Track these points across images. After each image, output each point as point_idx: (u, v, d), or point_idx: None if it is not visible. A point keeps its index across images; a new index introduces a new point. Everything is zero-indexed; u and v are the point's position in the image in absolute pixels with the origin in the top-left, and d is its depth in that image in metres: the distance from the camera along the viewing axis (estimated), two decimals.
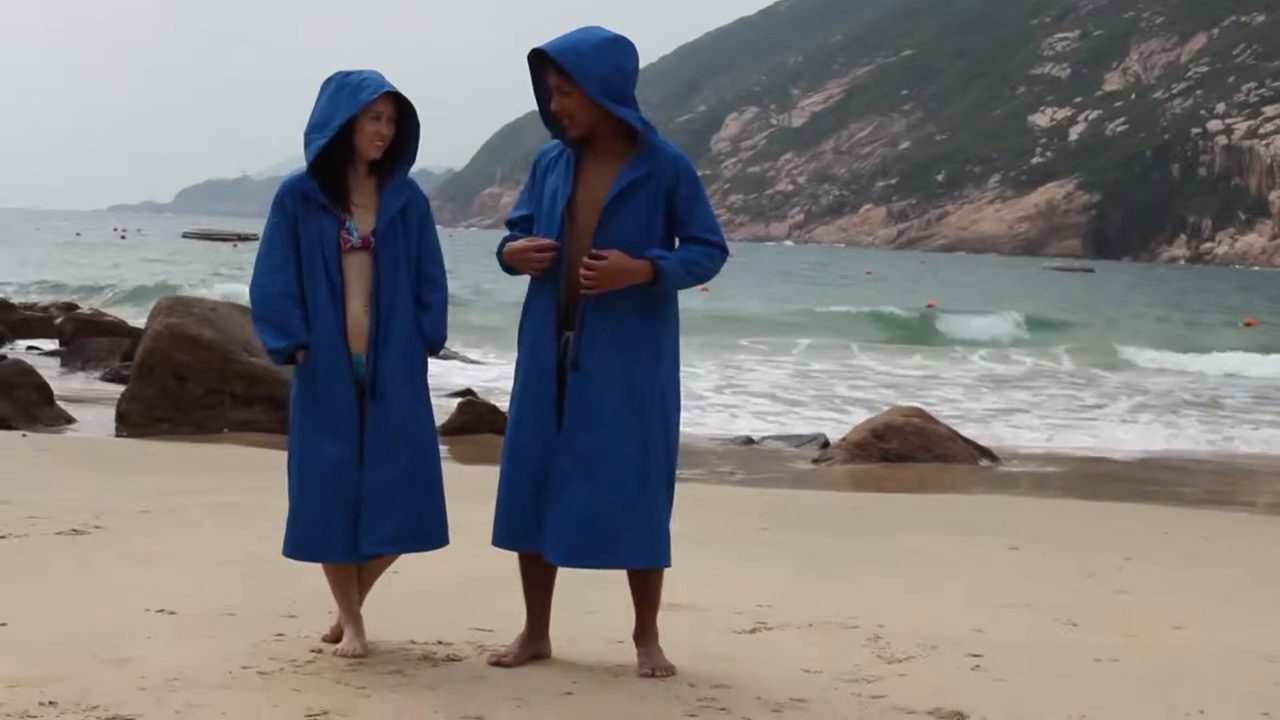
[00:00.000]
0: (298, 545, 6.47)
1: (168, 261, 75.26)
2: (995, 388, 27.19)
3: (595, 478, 6.14)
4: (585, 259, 6.12)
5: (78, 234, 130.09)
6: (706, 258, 6.28)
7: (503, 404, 17.74)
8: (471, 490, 8.48)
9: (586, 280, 6.10)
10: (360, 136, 6.34)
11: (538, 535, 6.25)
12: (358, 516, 6.35)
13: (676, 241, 6.33)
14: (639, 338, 6.22)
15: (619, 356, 6.18)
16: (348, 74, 6.41)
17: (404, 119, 6.46)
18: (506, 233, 6.47)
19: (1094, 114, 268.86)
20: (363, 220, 6.41)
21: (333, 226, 6.37)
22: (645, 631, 6.46)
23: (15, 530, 9.24)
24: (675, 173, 6.25)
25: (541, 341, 6.25)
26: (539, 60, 6.25)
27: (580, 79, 6.08)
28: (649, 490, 6.24)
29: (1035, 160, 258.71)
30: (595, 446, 6.15)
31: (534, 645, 6.47)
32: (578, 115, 6.16)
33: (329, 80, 6.43)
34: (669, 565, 6.36)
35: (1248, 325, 48.27)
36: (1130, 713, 6.15)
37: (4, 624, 6.77)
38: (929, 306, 59.21)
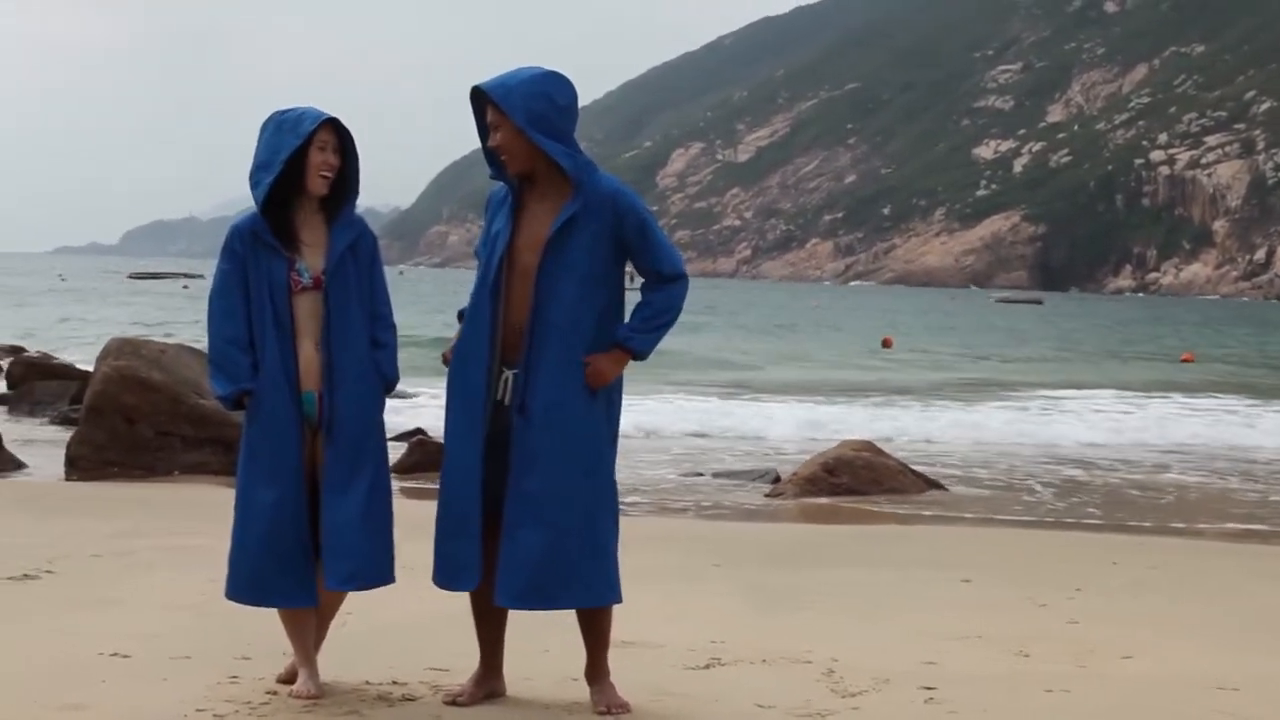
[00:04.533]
0: (236, 588, 6.49)
1: (123, 305, 75.01)
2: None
3: (544, 521, 6.14)
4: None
5: (22, 276, 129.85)
6: (668, 302, 6.33)
7: None
8: (424, 529, 8.46)
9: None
10: (307, 169, 6.34)
11: (470, 574, 6.27)
12: (299, 561, 6.37)
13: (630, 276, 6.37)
14: (576, 375, 6.21)
15: (565, 396, 6.19)
16: (285, 111, 6.42)
17: (346, 152, 6.48)
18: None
19: (1038, 146, 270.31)
20: (312, 259, 6.41)
21: (282, 268, 6.37)
22: (597, 669, 6.47)
23: None
24: (614, 208, 6.25)
25: (476, 380, 6.26)
26: (479, 98, 6.31)
27: (509, 110, 6.13)
28: (597, 529, 6.26)
29: (980, 193, 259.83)
30: (543, 489, 6.15)
31: (488, 684, 6.49)
32: (513, 150, 6.20)
33: (267, 121, 6.43)
34: (620, 601, 6.39)
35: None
36: None
37: None
38: (884, 345, 59.27)
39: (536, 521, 6.15)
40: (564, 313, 6.20)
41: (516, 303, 6.23)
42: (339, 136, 6.42)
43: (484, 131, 6.33)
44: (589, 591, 6.27)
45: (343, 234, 6.45)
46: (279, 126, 6.37)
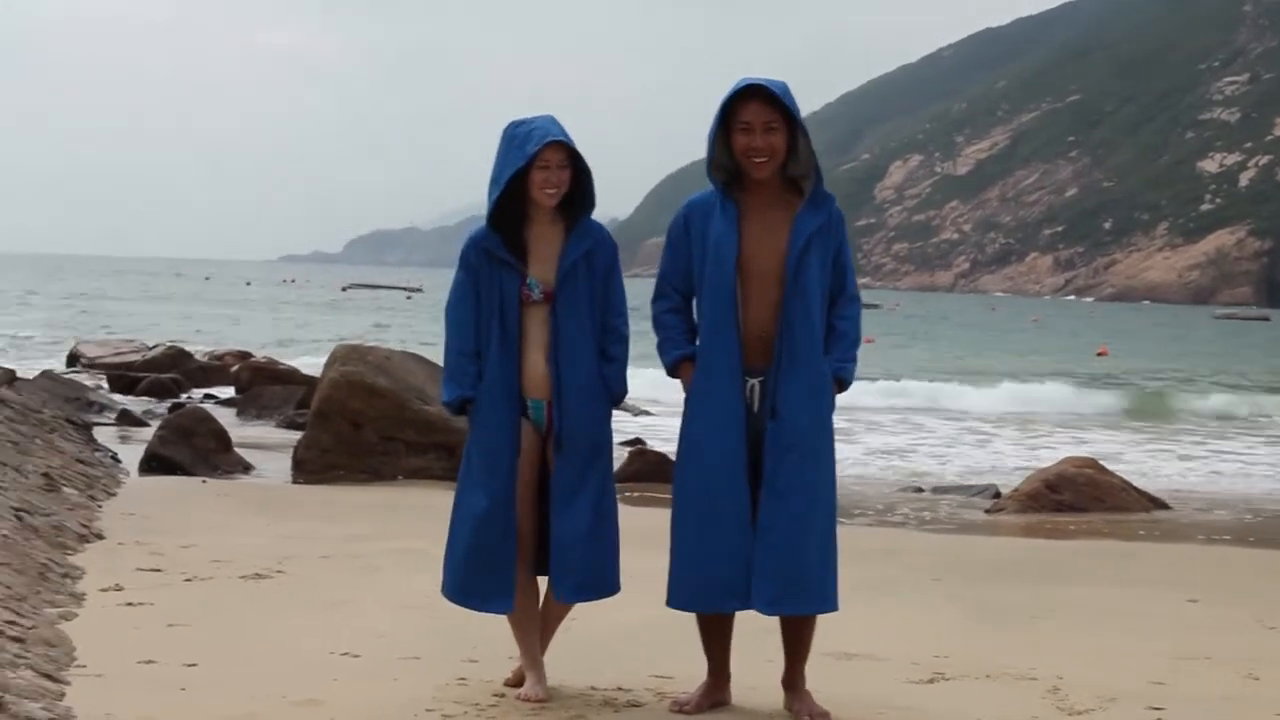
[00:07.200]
0: (445, 586, 6.65)
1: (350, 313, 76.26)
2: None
3: (800, 524, 6.20)
4: None
5: (248, 283, 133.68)
6: (857, 330, 6.50)
7: (669, 450, 17.79)
8: (646, 537, 8.51)
9: None
10: (532, 186, 6.43)
11: (731, 596, 6.30)
12: (503, 568, 6.46)
13: None
14: (825, 380, 6.30)
15: (811, 400, 6.26)
16: (519, 124, 6.50)
17: (578, 164, 6.53)
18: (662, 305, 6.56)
19: (1265, 159, 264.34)
20: (544, 271, 6.49)
21: (514, 282, 6.46)
22: (796, 677, 6.51)
23: (201, 574, 9.45)
24: (839, 222, 6.42)
25: (724, 390, 6.29)
26: (734, 100, 6.30)
27: (796, 112, 6.23)
28: (832, 535, 6.34)
29: (1205, 207, 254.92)
30: (801, 492, 6.22)
31: (716, 694, 6.51)
32: (778, 152, 6.25)
33: (505, 130, 6.53)
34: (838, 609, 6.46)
35: None
36: None
37: (195, 664, 6.94)
38: (1099, 355, 58.66)
39: (788, 522, 6.20)
40: (811, 318, 6.27)
41: (756, 310, 6.27)
42: (566, 152, 6.47)
43: (721, 132, 6.33)
44: (825, 598, 6.33)
45: (576, 245, 6.51)
46: (509, 143, 6.46)
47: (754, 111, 6.24)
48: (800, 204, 6.35)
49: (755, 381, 6.28)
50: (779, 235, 6.29)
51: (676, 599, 6.42)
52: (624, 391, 6.66)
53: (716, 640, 6.50)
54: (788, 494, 6.21)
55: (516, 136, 6.47)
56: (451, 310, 6.60)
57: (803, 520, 6.21)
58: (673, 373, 6.50)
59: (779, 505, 6.21)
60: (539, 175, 6.42)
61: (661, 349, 6.51)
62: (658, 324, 6.54)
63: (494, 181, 6.47)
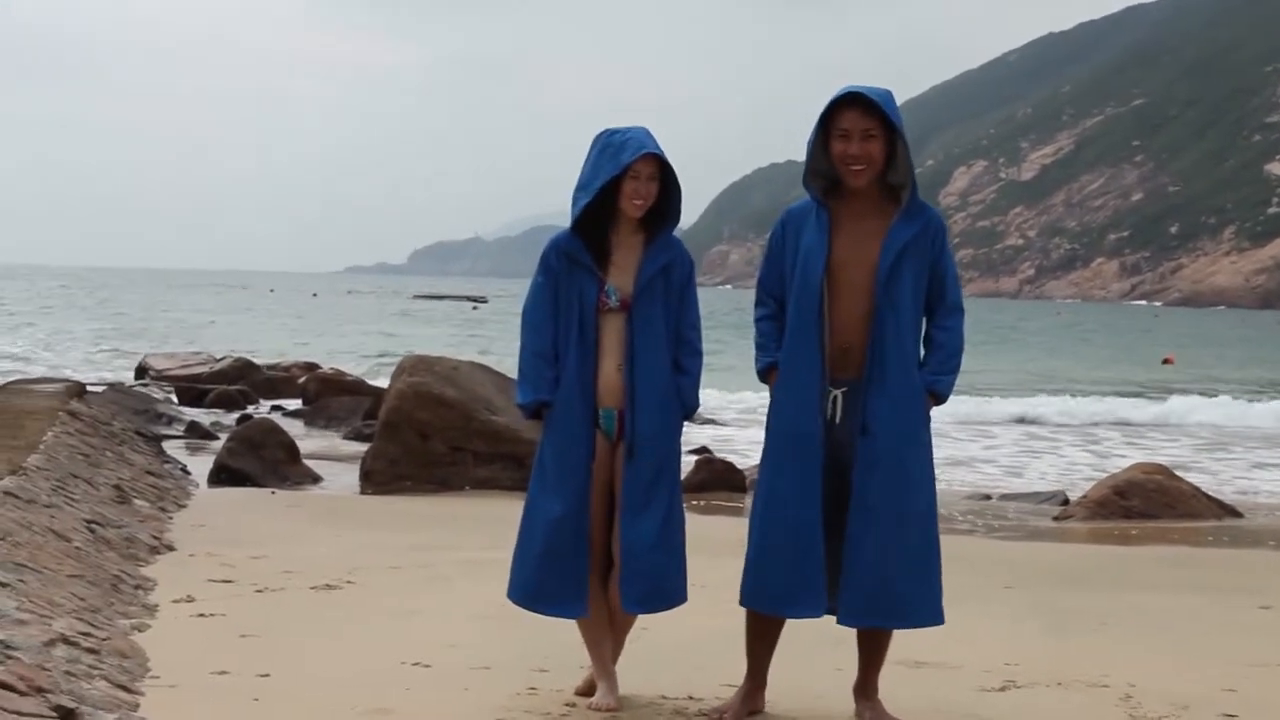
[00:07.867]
0: (513, 591, 6.66)
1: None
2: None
3: (888, 540, 6.18)
4: None
5: (314, 295, 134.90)
6: (958, 341, 6.41)
7: (737, 459, 17.79)
8: (714, 546, 8.52)
9: None
10: (621, 196, 6.44)
11: (786, 603, 6.29)
12: (575, 573, 6.47)
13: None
14: (918, 393, 6.27)
15: (900, 415, 6.22)
16: (614, 133, 6.50)
17: (667, 178, 6.55)
18: (758, 313, 6.55)
19: None
20: (623, 279, 6.51)
21: (593, 288, 6.48)
22: (869, 686, 6.51)
23: (272, 584, 9.50)
24: (940, 231, 6.34)
25: (801, 400, 6.27)
26: (834, 107, 6.27)
27: (897, 121, 6.18)
28: (934, 548, 6.30)
29: (1272, 210, 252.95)
30: (891, 508, 6.19)
31: (753, 701, 6.53)
32: (877, 160, 6.22)
33: (598, 138, 6.54)
34: (943, 622, 6.43)
35: None
36: None
37: (267, 674, 6.98)
38: (1165, 362, 58.30)
39: (877, 538, 6.18)
40: (903, 330, 6.24)
41: (843, 320, 6.25)
42: (658, 165, 6.49)
43: (820, 139, 6.32)
44: (925, 612, 6.31)
45: (657, 257, 6.53)
46: (603, 150, 6.47)
47: (852, 119, 6.22)
48: (896, 214, 6.34)
49: (838, 392, 6.26)
50: (871, 246, 6.26)
51: (743, 597, 6.43)
52: (696, 404, 6.67)
53: (760, 640, 6.51)
54: (877, 510, 6.18)
55: (611, 145, 6.49)
56: (529, 312, 6.62)
57: (891, 536, 6.18)
58: (763, 379, 6.50)
59: (868, 521, 6.19)
60: (629, 186, 6.44)
61: (756, 356, 6.51)
62: (755, 330, 6.55)
63: (583, 188, 6.50)
